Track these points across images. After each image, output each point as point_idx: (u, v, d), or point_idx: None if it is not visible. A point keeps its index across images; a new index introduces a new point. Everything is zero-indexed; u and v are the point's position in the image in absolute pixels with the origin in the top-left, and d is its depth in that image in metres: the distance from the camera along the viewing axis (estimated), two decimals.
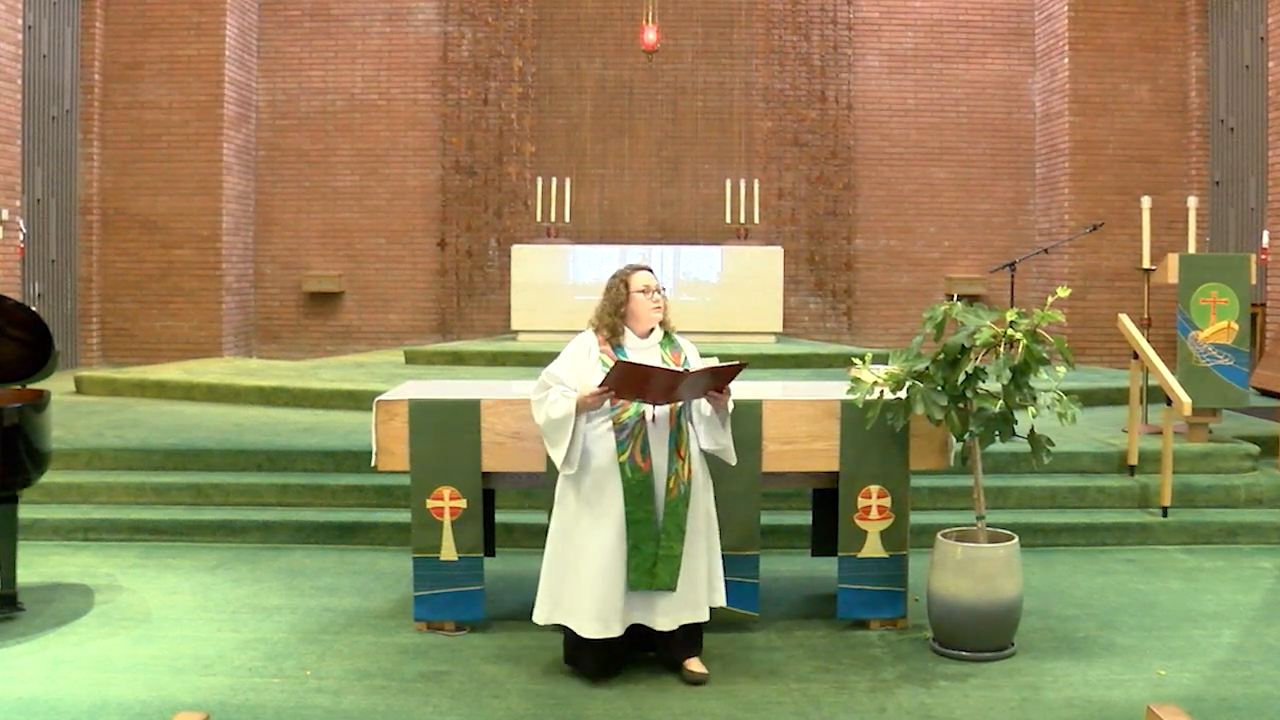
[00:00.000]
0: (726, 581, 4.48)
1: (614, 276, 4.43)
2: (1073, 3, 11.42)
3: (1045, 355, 4.44)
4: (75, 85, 11.21)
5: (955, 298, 4.90)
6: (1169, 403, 6.43)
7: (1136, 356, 6.96)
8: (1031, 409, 4.48)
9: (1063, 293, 4.63)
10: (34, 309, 5.54)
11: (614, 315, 4.35)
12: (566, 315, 10.89)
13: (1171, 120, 11.54)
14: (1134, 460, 6.75)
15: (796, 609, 5.16)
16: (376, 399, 4.90)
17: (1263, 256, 9.66)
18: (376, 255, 12.20)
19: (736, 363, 4.26)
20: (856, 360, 4.68)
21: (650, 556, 4.20)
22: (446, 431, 4.79)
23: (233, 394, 8.98)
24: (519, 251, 11.17)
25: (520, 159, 12.06)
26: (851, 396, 4.57)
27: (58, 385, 8.39)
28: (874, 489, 4.86)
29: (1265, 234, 9.83)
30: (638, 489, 4.20)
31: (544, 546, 4.38)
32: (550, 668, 4.43)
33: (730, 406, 4.36)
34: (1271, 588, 5.56)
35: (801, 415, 4.83)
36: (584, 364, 4.29)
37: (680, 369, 4.21)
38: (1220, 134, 11.21)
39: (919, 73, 12.17)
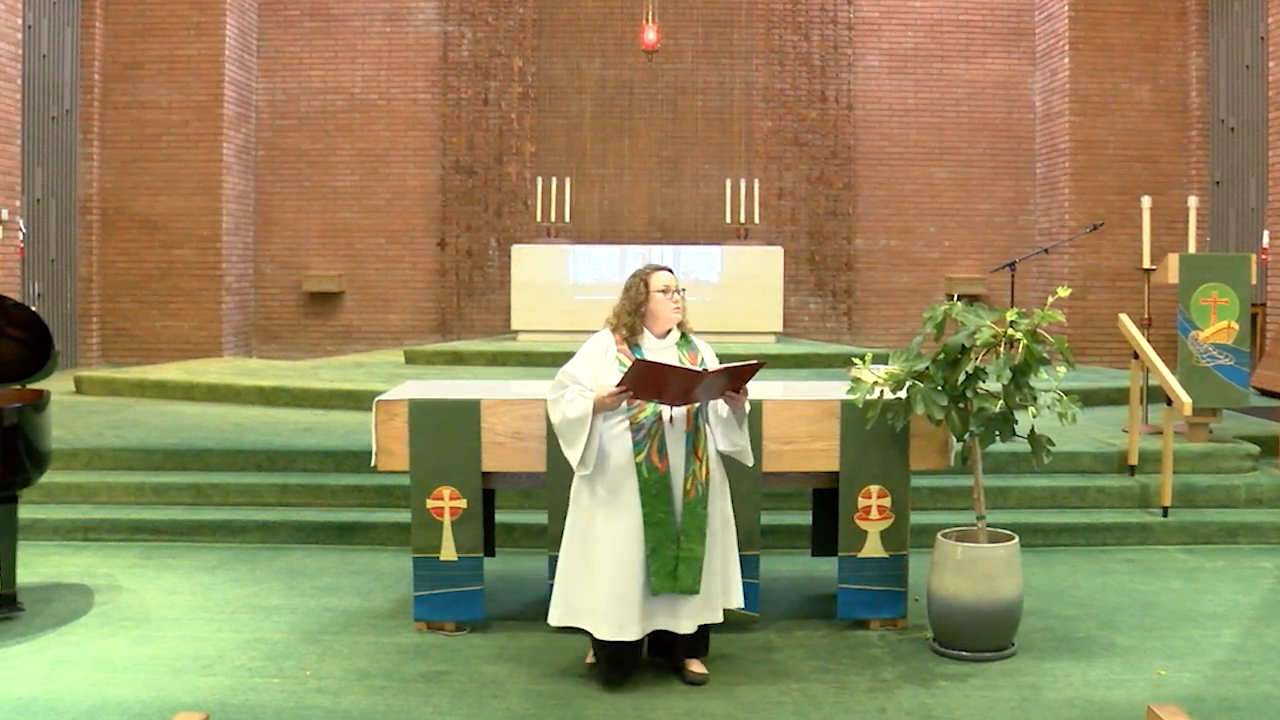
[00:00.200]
0: None
1: (633, 276, 4.37)
2: (1073, 2, 11.41)
3: (1045, 355, 4.44)
4: (75, 85, 11.21)
5: (955, 298, 4.90)
6: (1169, 403, 6.43)
7: (1137, 356, 6.96)
8: (1032, 409, 4.48)
9: (1063, 293, 4.63)
10: (34, 309, 5.53)
11: (633, 315, 4.30)
12: (566, 315, 10.90)
13: (1172, 120, 11.54)
14: (1134, 460, 6.75)
15: (796, 609, 5.16)
16: (376, 399, 4.90)
17: (1263, 256, 9.66)
18: (376, 255, 12.20)
19: (754, 362, 4.22)
20: (856, 360, 4.68)
21: (671, 560, 4.16)
22: (446, 431, 4.79)
23: (233, 394, 8.98)
24: (519, 251, 11.16)
25: (520, 159, 12.06)
26: (851, 396, 4.57)
27: (57, 385, 8.39)
28: (874, 489, 4.86)
29: (1265, 234, 9.83)
30: (654, 489, 4.17)
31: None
32: (550, 668, 4.43)
33: (747, 407, 4.34)
34: (1272, 588, 5.56)
35: (801, 415, 4.83)
36: (601, 363, 4.25)
37: (700, 369, 4.18)
38: (1220, 134, 11.21)
39: (919, 72, 12.17)
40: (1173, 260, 7.26)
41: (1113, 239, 11.20)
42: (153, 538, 6.24)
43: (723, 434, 4.31)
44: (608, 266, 11.10)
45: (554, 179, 11.52)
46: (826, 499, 5.24)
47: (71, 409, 8.43)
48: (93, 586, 5.42)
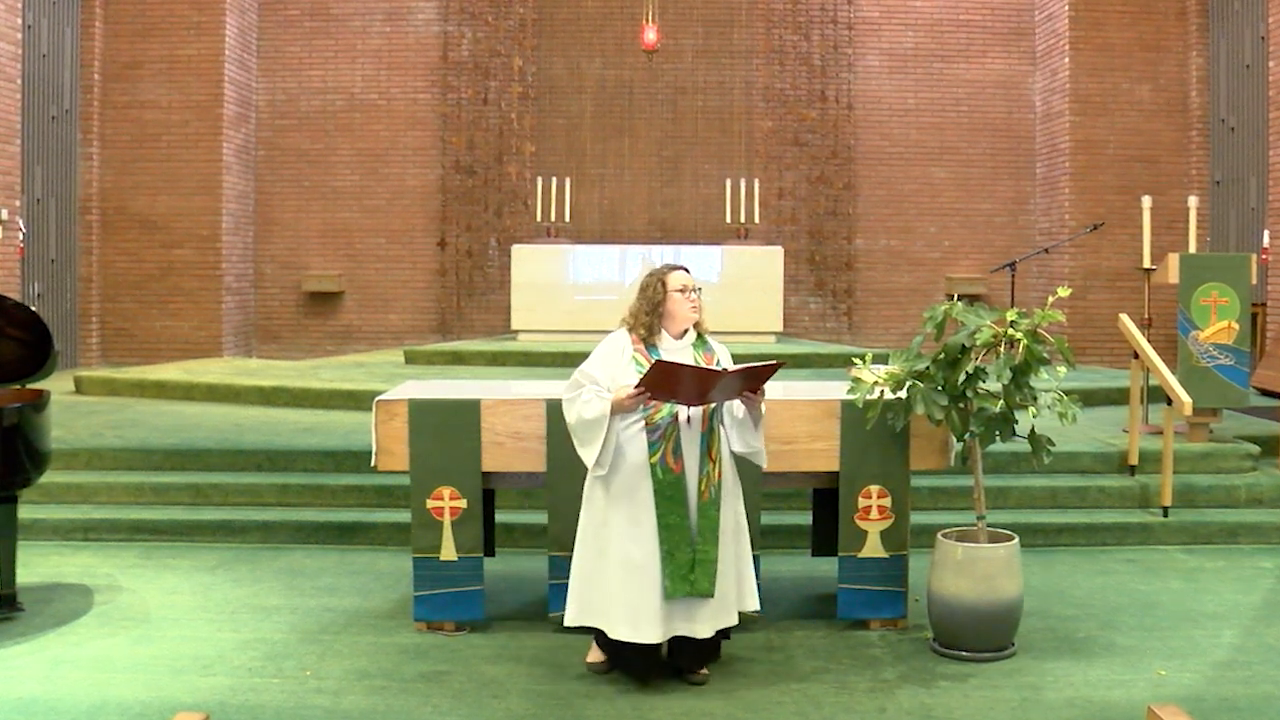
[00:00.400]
0: None
1: (650, 275, 4.35)
2: (1073, 2, 11.41)
3: (1046, 355, 4.44)
4: (75, 85, 11.21)
5: (955, 297, 4.90)
6: (1169, 403, 6.43)
7: (1137, 356, 6.96)
8: (1032, 409, 4.48)
9: (1063, 292, 4.62)
10: (34, 309, 5.53)
11: (650, 315, 4.28)
12: (566, 315, 10.91)
13: (1172, 120, 11.54)
14: (1134, 460, 6.75)
15: (796, 609, 5.16)
16: (376, 399, 4.89)
17: (1263, 256, 9.65)
18: (376, 255, 12.20)
19: (773, 362, 4.20)
20: (857, 360, 4.67)
21: (686, 563, 4.13)
22: (446, 431, 4.78)
23: (232, 394, 8.98)
24: (519, 251, 11.16)
25: (520, 159, 12.06)
26: (852, 396, 4.57)
27: (57, 385, 8.38)
28: (874, 489, 4.86)
29: (1266, 234, 9.83)
30: (668, 491, 4.15)
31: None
32: (550, 668, 4.42)
33: (764, 408, 4.32)
34: (1272, 588, 5.56)
35: (802, 415, 4.82)
36: (617, 363, 4.23)
37: (719, 369, 4.16)
38: (1221, 134, 11.21)
39: (919, 72, 12.17)
40: (1173, 260, 7.26)
41: (1113, 239, 11.20)
42: (153, 538, 6.24)
43: (737, 435, 4.29)
44: (608, 266, 11.11)
45: (554, 179, 11.52)
46: (826, 499, 5.24)
47: (71, 409, 8.43)
48: (92, 586, 5.42)
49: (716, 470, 4.22)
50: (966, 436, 4.58)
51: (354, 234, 12.17)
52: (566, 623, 4.33)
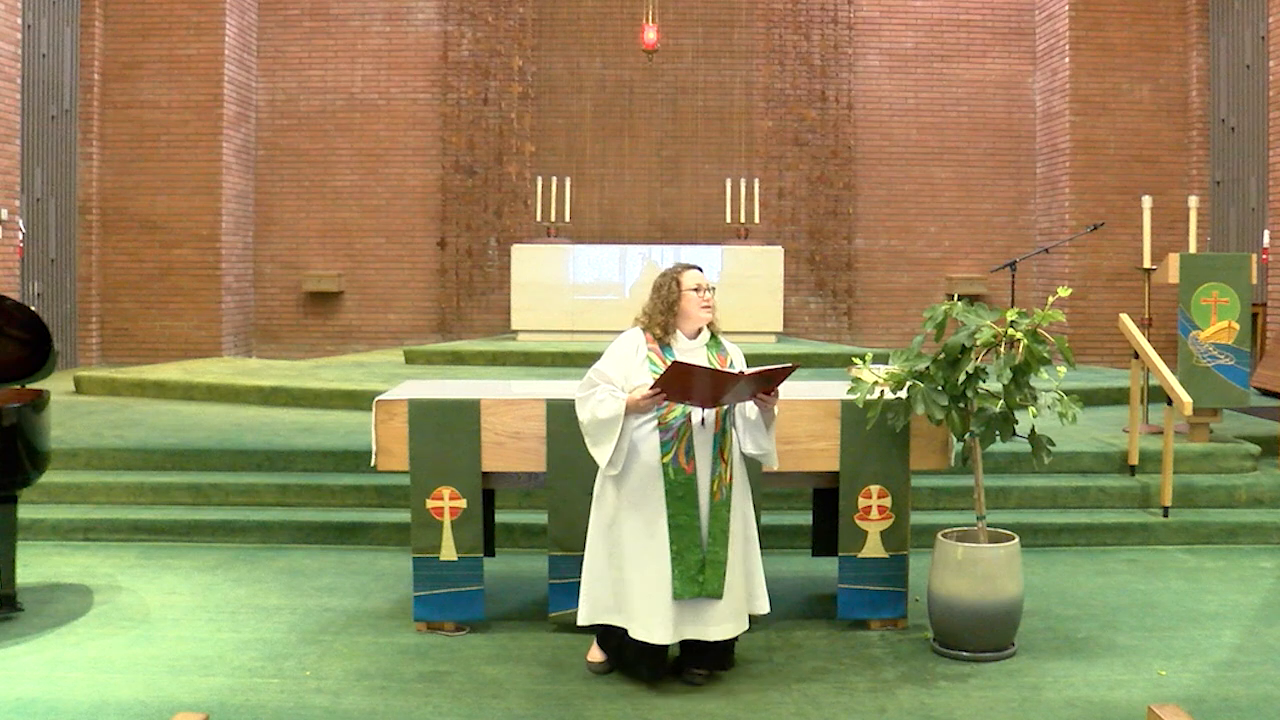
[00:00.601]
0: None
1: (664, 275, 4.34)
2: (1073, 2, 11.41)
3: (1046, 355, 4.43)
4: (74, 85, 11.20)
5: (956, 297, 4.88)
6: (1170, 402, 6.43)
7: (1137, 356, 6.95)
8: (1032, 409, 4.47)
9: (1063, 292, 4.62)
10: (33, 309, 5.53)
11: (665, 314, 4.26)
12: (566, 315, 10.90)
13: (1172, 120, 11.54)
14: (1135, 460, 6.75)
15: (796, 609, 5.15)
16: (376, 399, 4.89)
17: (1264, 256, 9.65)
18: (376, 255, 12.20)
19: (788, 365, 4.18)
20: (857, 360, 4.67)
21: (696, 563, 4.12)
22: (446, 431, 4.78)
23: (232, 394, 8.98)
24: (519, 251, 11.17)
25: (520, 158, 12.06)
26: (852, 396, 4.56)
27: (57, 385, 8.39)
28: (874, 489, 4.85)
29: (1266, 233, 9.83)
30: (680, 491, 4.14)
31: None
32: (550, 668, 4.42)
33: (776, 410, 4.31)
34: (1272, 588, 5.55)
35: (802, 415, 4.82)
36: (631, 362, 4.22)
37: (735, 371, 4.14)
38: (1221, 134, 11.20)
39: (920, 72, 12.17)
40: (1173, 260, 7.26)
41: (1113, 239, 11.20)
42: (152, 538, 6.23)
43: (748, 437, 4.28)
44: (608, 266, 11.11)
45: (554, 179, 11.52)
46: (827, 499, 5.24)
47: (71, 409, 8.43)
48: (92, 587, 5.41)
49: (728, 472, 4.21)
50: (967, 436, 4.58)
51: (354, 234, 12.17)
52: (580, 622, 4.33)
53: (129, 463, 6.93)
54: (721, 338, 4.38)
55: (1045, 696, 4.16)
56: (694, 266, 4.34)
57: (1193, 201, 7.97)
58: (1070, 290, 4.92)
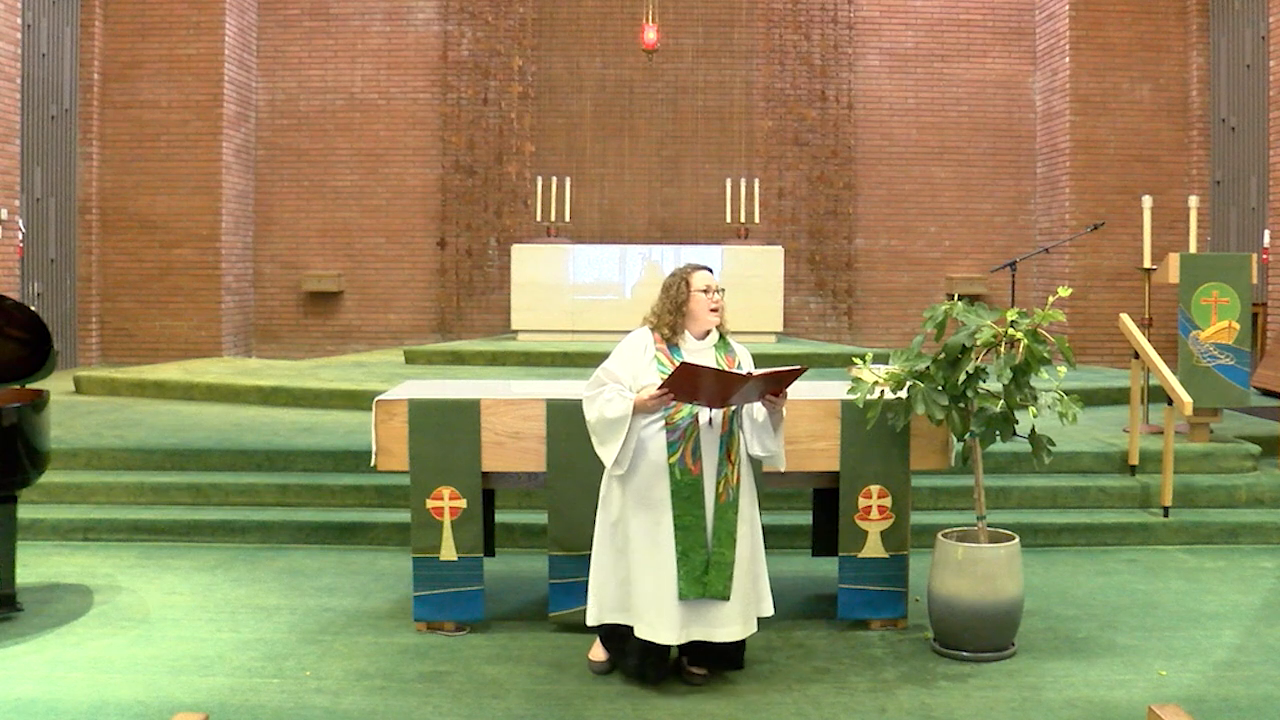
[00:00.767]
0: None
1: (673, 275, 4.33)
2: (1074, 2, 11.41)
3: (1046, 355, 4.43)
4: (74, 84, 11.20)
5: (956, 297, 4.88)
6: (1170, 402, 6.42)
7: (1137, 356, 6.95)
8: (1032, 409, 4.47)
9: (1064, 292, 4.62)
10: (33, 309, 5.52)
11: (674, 314, 4.25)
12: (566, 315, 10.90)
13: (1172, 119, 11.54)
14: (1135, 460, 6.75)
15: (796, 609, 5.15)
16: (376, 399, 4.89)
17: (1264, 256, 9.65)
18: (376, 255, 12.19)
19: (796, 367, 4.17)
20: (857, 360, 4.67)
21: (701, 564, 4.11)
22: (446, 431, 4.78)
23: (232, 394, 8.97)
24: (519, 251, 11.16)
25: (520, 158, 12.05)
26: (852, 396, 4.56)
27: (57, 385, 8.39)
28: (874, 489, 4.85)
29: (1266, 233, 9.82)
30: (686, 492, 4.13)
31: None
32: (550, 668, 4.42)
33: (784, 412, 4.30)
34: (1273, 588, 5.55)
35: (802, 415, 4.81)
36: (639, 362, 4.21)
37: (744, 372, 4.13)
38: (1221, 133, 11.20)
39: (920, 72, 12.17)
40: (1173, 260, 7.25)
41: (1113, 238, 11.19)
42: (152, 538, 6.23)
43: (755, 438, 4.27)
44: (608, 266, 11.10)
45: (554, 178, 11.52)
46: (827, 499, 5.24)
47: (71, 409, 8.42)
48: (92, 587, 5.41)
49: (735, 473, 4.20)
50: (967, 436, 4.57)
51: (354, 234, 12.17)
52: (588, 623, 4.32)
53: (129, 463, 6.93)
54: (730, 339, 4.37)
55: (1045, 696, 4.16)
56: (704, 267, 4.33)
57: (1193, 201, 7.97)
58: (1070, 290, 4.92)
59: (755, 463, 4.41)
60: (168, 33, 11.35)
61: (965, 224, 12.22)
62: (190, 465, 6.91)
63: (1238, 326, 7.11)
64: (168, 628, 4.85)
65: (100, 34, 11.33)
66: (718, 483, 4.17)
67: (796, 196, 12.12)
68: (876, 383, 4.55)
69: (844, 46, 12.07)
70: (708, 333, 4.30)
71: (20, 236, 9.73)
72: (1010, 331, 4.42)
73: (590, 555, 4.39)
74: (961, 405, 4.49)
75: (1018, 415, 4.52)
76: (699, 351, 4.25)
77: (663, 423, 4.15)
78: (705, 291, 4.26)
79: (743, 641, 4.31)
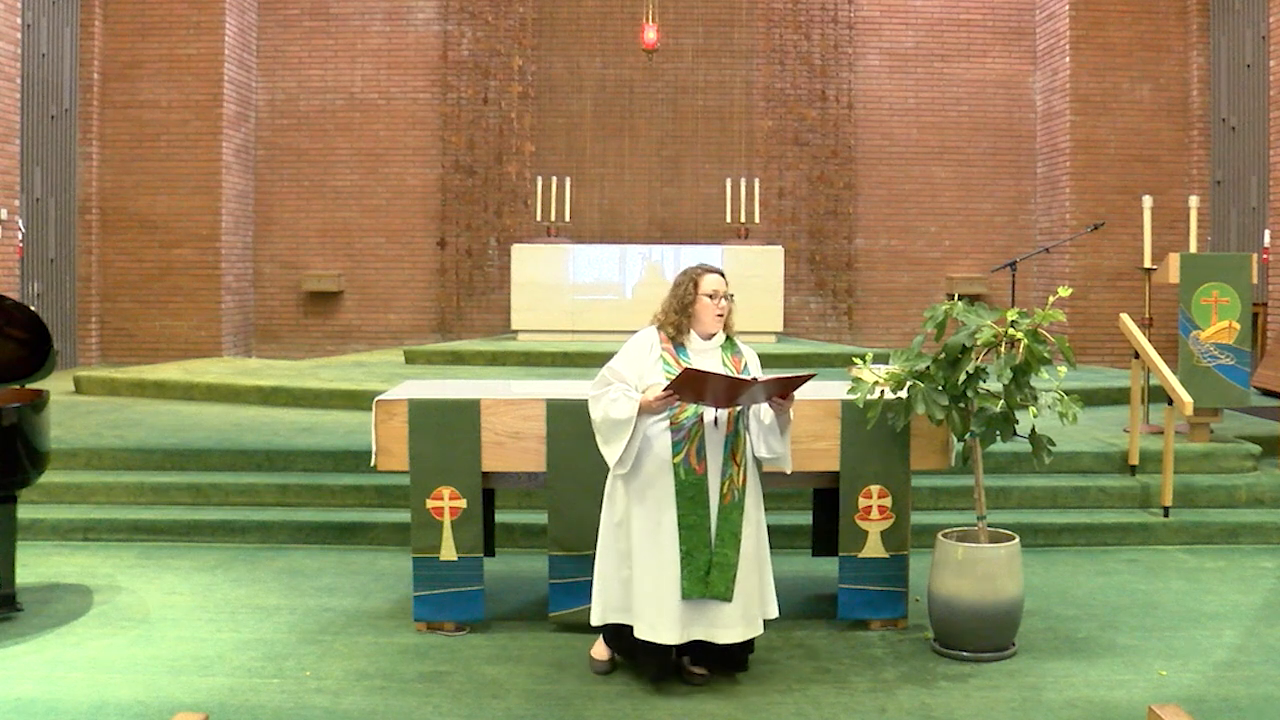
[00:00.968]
0: None
1: (684, 273, 4.31)
2: (1074, 2, 11.41)
3: (1047, 355, 4.43)
4: (74, 84, 11.20)
5: (956, 297, 4.88)
6: (1170, 402, 6.42)
7: (1138, 356, 6.95)
8: (1033, 409, 4.47)
9: (1064, 292, 4.61)
10: (33, 308, 5.52)
11: (679, 314, 4.24)
12: (566, 315, 10.90)
13: (1173, 119, 11.54)
14: (1135, 460, 6.74)
15: (796, 609, 5.14)
16: (376, 399, 4.88)
17: (1264, 256, 9.65)
18: (376, 255, 12.19)
19: (805, 374, 4.17)
20: (857, 360, 4.66)
21: (704, 564, 4.10)
22: (446, 431, 4.78)
23: (232, 394, 8.97)
24: (519, 251, 11.16)
25: (520, 158, 12.05)
26: (852, 396, 4.56)
27: (56, 385, 8.39)
28: (875, 489, 4.85)
29: (1267, 233, 9.82)
30: (690, 491, 4.12)
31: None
32: (550, 668, 4.42)
33: (792, 415, 4.29)
34: (1273, 588, 5.55)
35: (802, 415, 4.81)
36: (645, 361, 4.20)
37: (749, 377, 4.12)
38: (1221, 133, 11.20)
39: (920, 71, 12.16)
40: (1174, 260, 7.25)
41: (1114, 238, 11.19)
42: (152, 538, 6.23)
43: (762, 440, 4.25)
44: (608, 266, 11.10)
45: (554, 178, 11.52)
46: (827, 499, 5.23)
47: (70, 409, 8.42)
48: (92, 587, 5.41)
49: (740, 474, 4.19)
50: (967, 436, 4.57)
51: (354, 234, 12.17)
52: (592, 622, 4.32)
53: (129, 463, 6.93)
54: (738, 340, 4.35)
55: (1045, 697, 4.15)
56: (715, 271, 4.30)
57: (1193, 201, 7.97)
58: (1071, 290, 4.92)
59: (757, 463, 4.40)
60: (168, 33, 11.35)
61: (965, 224, 12.22)
62: (190, 465, 6.91)
63: (1238, 326, 7.11)
64: (168, 628, 4.84)
65: (100, 34, 11.33)
66: (722, 483, 4.16)
67: (796, 196, 12.12)
68: (876, 383, 4.55)
69: (844, 46, 12.07)
70: (714, 334, 4.29)
71: (20, 236, 9.73)
72: (1010, 331, 4.42)
73: (591, 555, 4.39)
74: (961, 405, 4.49)
75: (1018, 415, 4.52)
76: (704, 352, 4.24)
77: (668, 422, 4.14)
78: (711, 297, 4.24)
79: (749, 644, 4.30)
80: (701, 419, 4.14)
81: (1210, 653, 4.62)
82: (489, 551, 5.11)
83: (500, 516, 5.71)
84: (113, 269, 11.48)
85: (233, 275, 11.73)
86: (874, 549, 4.86)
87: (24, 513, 5.60)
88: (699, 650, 4.24)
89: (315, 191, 12.17)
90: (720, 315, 4.26)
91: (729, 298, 4.29)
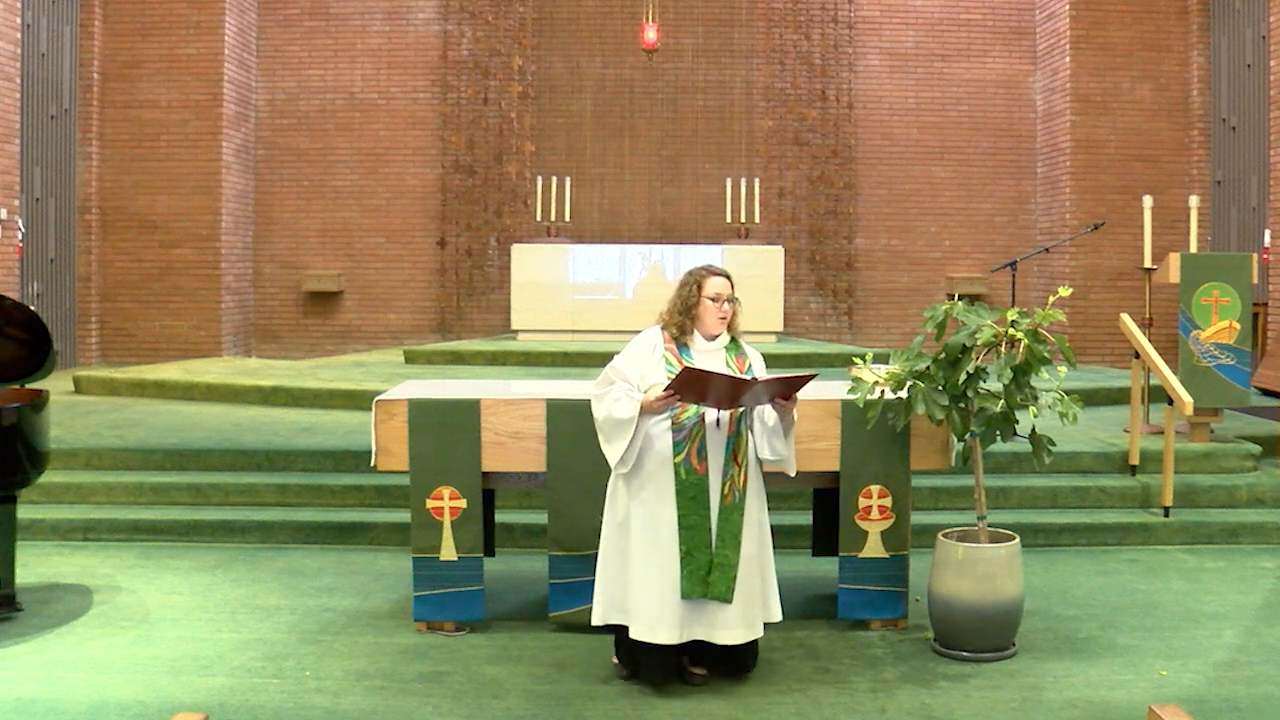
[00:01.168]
0: None
1: (689, 274, 4.30)
2: (1074, 2, 11.41)
3: (1047, 355, 4.43)
4: (74, 84, 11.20)
5: (956, 297, 4.88)
6: (1171, 402, 6.42)
7: (1138, 356, 6.95)
8: (1033, 409, 4.47)
9: (1064, 292, 4.61)
10: (33, 308, 5.52)
11: (683, 315, 4.24)
12: (566, 315, 10.90)
13: (1173, 119, 11.54)
14: (1135, 460, 6.74)
15: (797, 609, 5.14)
16: (376, 398, 4.88)
17: (1264, 256, 9.65)
18: (376, 255, 12.19)
19: (807, 374, 4.16)
20: (857, 360, 4.66)
21: (704, 564, 4.09)
22: (446, 431, 4.77)
23: (232, 394, 8.97)
24: (519, 251, 11.16)
25: (520, 158, 12.05)
26: (852, 396, 4.55)
27: (56, 385, 8.39)
28: (875, 489, 4.85)
29: (1267, 233, 9.82)
30: (691, 491, 4.11)
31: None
32: (550, 668, 4.42)
33: (795, 416, 4.29)
34: (1273, 588, 5.55)
35: (802, 415, 4.80)
36: (648, 361, 4.19)
37: (749, 378, 4.11)
38: (1222, 133, 11.20)
39: (920, 71, 12.16)
40: (1174, 260, 7.25)
41: (1114, 238, 11.19)
42: (152, 538, 6.23)
43: (766, 441, 4.24)
44: (608, 266, 11.10)
45: (554, 178, 11.51)
46: (827, 499, 5.23)
47: (70, 409, 8.42)
48: (91, 587, 5.41)
49: (742, 475, 4.18)
50: (967, 436, 4.57)
51: (354, 234, 12.17)
52: (593, 622, 4.30)
53: (129, 463, 6.92)
54: (742, 341, 4.35)
55: (1046, 696, 4.15)
56: (720, 273, 4.29)
57: (1193, 201, 7.97)
58: (1071, 290, 4.92)
59: (760, 464, 4.40)
60: (168, 32, 11.35)
61: (965, 224, 12.22)
62: (190, 465, 6.91)
63: (1238, 326, 7.11)
64: (167, 628, 4.84)
65: (100, 34, 11.33)
66: (723, 484, 4.15)
67: (796, 196, 12.12)
68: (877, 383, 4.55)
69: (844, 46, 12.07)
70: (718, 335, 4.29)
71: (20, 236, 9.72)
72: (1010, 331, 4.41)
73: (591, 555, 4.39)
74: (962, 405, 4.48)
75: (1018, 415, 4.52)
76: (708, 353, 4.23)
77: (669, 421, 4.13)
78: (715, 300, 4.24)
79: (752, 647, 4.29)
80: (703, 419, 4.14)
81: (1210, 653, 4.62)
82: (489, 551, 5.11)
83: (500, 516, 5.71)
84: (112, 269, 11.48)
85: (233, 275, 11.73)
86: (874, 549, 4.86)
87: (24, 513, 5.60)
88: (699, 650, 4.24)
89: (315, 191, 12.16)
90: (723, 318, 4.26)
91: (733, 301, 4.28)
